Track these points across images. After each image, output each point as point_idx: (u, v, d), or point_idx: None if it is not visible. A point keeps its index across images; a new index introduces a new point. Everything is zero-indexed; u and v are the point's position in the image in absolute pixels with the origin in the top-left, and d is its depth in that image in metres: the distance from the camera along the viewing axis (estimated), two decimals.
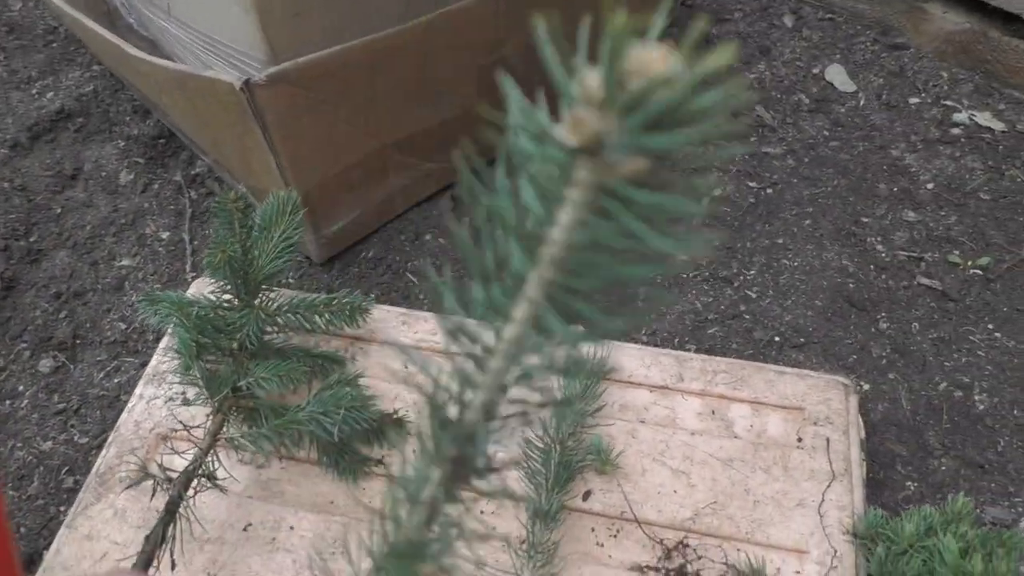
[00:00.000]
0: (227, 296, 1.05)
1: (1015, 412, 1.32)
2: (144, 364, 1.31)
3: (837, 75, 1.79)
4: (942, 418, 1.31)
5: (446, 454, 0.28)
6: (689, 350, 1.38)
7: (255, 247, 1.08)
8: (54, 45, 1.97)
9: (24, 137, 1.73)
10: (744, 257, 1.51)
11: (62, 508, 1.18)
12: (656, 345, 1.38)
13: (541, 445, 1.03)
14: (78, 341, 1.38)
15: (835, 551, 1.00)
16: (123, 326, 1.39)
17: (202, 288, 1.23)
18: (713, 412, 1.13)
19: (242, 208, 1.01)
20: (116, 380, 1.32)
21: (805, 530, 1.02)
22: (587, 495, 1.04)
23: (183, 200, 1.59)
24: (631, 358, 1.18)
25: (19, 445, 1.24)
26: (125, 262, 1.49)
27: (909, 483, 1.25)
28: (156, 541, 0.86)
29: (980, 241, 1.52)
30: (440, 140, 1.47)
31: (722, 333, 1.41)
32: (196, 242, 1.52)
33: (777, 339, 1.40)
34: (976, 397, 1.34)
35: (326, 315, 1.11)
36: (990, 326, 1.41)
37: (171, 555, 0.88)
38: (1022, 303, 1.44)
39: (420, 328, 1.22)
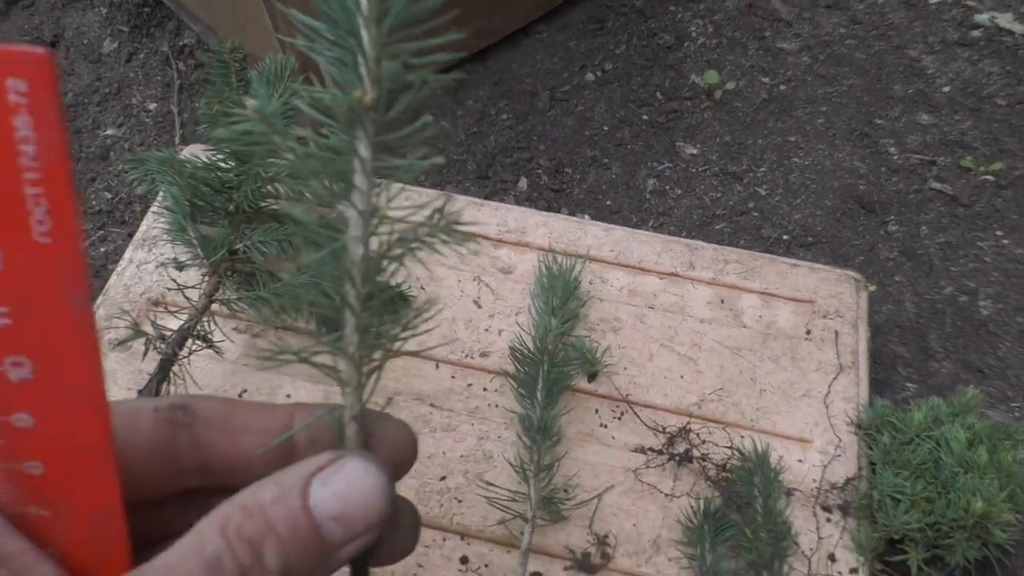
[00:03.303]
0: (221, 156, 1.00)
1: (1018, 319, 1.31)
2: (131, 234, 1.26)
3: None
4: (945, 322, 1.30)
5: None
6: None
7: None
8: None
9: (0, 2, 1.62)
10: (755, 153, 1.47)
11: None
12: None
13: (529, 355, 0.98)
14: None
15: (839, 440, 0.99)
16: (109, 195, 1.33)
17: (194, 153, 1.17)
18: (723, 301, 1.11)
19: (239, 59, 0.95)
20: (102, 249, 1.27)
21: (810, 420, 1.01)
22: (593, 377, 1.02)
23: (170, 72, 1.51)
24: (642, 244, 1.14)
25: None
26: (110, 131, 1.42)
27: (909, 384, 1.25)
28: (149, 397, 0.82)
29: (994, 147, 1.48)
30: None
31: (730, 229, 1.38)
32: (185, 115, 1.45)
33: (786, 237, 1.37)
34: (980, 303, 1.32)
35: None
36: (999, 233, 1.39)
37: None
38: None
39: (418, 200, 1.17)
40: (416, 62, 0.31)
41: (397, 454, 0.37)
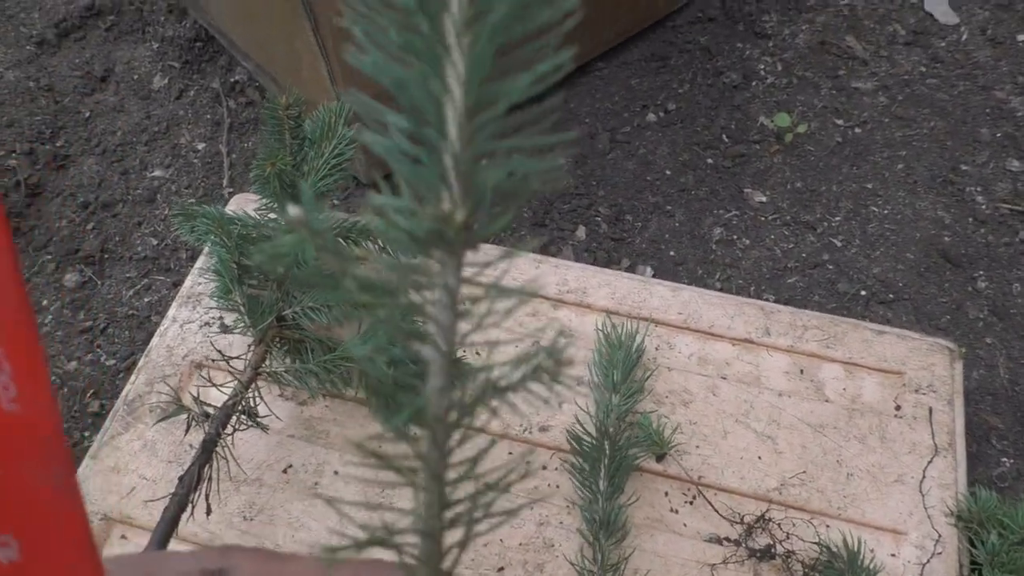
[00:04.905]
0: (272, 215, 0.94)
1: None
2: (177, 284, 1.22)
3: (938, 5, 1.62)
4: None
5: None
6: (767, 300, 1.26)
7: (306, 163, 0.96)
8: None
9: (51, 34, 1.61)
10: (829, 202, 1.38)
11: (86, 433, 1.10)
12: (731, 293, 1.26)
13: (590, 440, 0.90)
14: (106, 255, 1.28)
15: (937, 535, 0.90)
16: (155, 241, 1.29)
17: (242, 205, 1.12)
18: (802, 371, 1.02)
19: (295, 116, 0.90)
20: (146, 299, 1.23)
21: (903, 509, 0.92)
22: (661, 457, 0.94)
23: (221, 109, 1.47)
24: (712, 307, 1.06)
25: None
26: (158, 173, 1.38)
27: (1005, 459, 1.14)
28: (191, 483, 0.77)
29: None
30: None
31: (803, 283, 1.29)
32: (234, 155, 1.40)
33: (863, 293, 1.27)
34: None
35: (381, 241, 1.00)
36: None
37: (207, 500, 0.79)
38: None
39: (481, 261, 1.10)
40: (525, 165, 0.24)
41: None
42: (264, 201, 0.94)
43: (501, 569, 0.87)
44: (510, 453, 0.95)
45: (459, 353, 0.29)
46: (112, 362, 1.17)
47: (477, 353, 0.93)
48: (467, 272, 0.26)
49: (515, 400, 0.28)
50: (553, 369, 0.28)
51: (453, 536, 0.29)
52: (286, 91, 1.19)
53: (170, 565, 0.32)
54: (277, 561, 0.33)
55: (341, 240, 0.98)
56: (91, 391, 1.14)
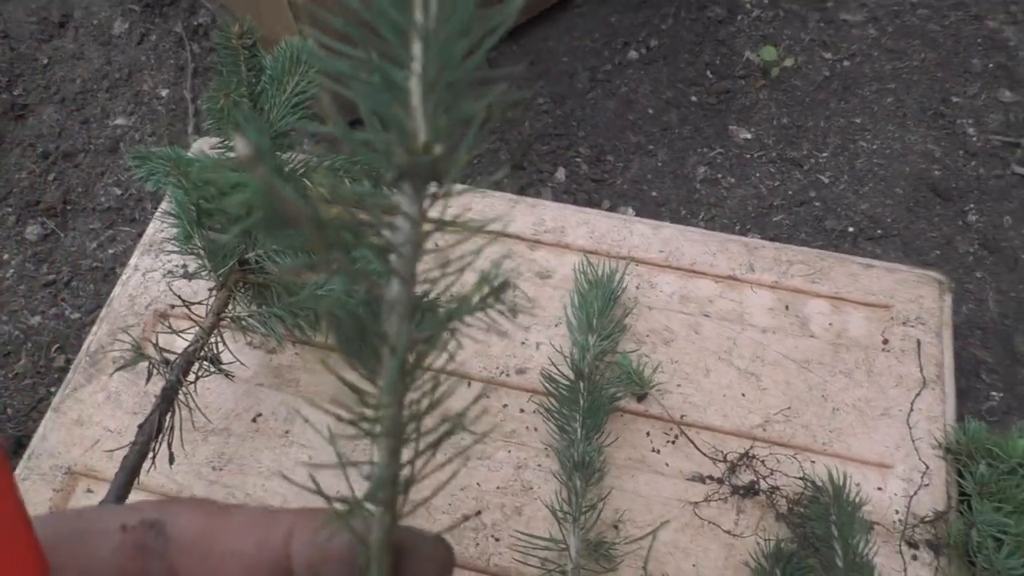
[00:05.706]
0: (231, 153, 0.90)
1: None
2: (142, 234, 1.17)
3: None
4: None
5: None
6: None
7: (265, 99, 0.92)
8: None
9: None
10: (816, 137, 1.34)
11: (52, 389, 1.06)
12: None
13: (565, 381, 0.87)
14: (68, 207, 1.23)
15: (925, 467, 0.88)
16: (118, 191, 1.25)
17: (205, 147, 1.08)
18: (787, 307, 0.99)
19: (249, 46, 0.85)
20: (111, 251, 1.19)
21: (890, 442, 0.90)
22: (642, 397, 0.92)
23: (184, 54, 1.41)
24: (694, 243, 1.03)
25: (4, 319, 1.11)
26: (120, 121, 1.33)
27: (994, 393, 1.12)
28: (151, 432, 0.74)
29: None
30: None
31: (789, 221, 1.25)
32: (199, 101, 1.35)
33: (851, 230, 1.24)
34: None
35: (347, 182, 0.96)
36: None
37: (169, 448, 0.76)
38: None
39: (455, 203, 1.06)
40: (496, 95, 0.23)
41: None
42: (224, 141, 0.90)
43: (478, 513, 0.85)
44: (486, 396, 0.92)
45: (423, 293, 0.27)
46: (77, 315, 1.13)
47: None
48: (435, 212, 0.25)
49: (462, 330, 0.27)
50: (493, 295, 0.27)
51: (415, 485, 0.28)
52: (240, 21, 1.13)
53: (104, 519, 0.29)
54: (217, 513, 0.30)
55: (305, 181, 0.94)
56: (56, 345, 1.10)
